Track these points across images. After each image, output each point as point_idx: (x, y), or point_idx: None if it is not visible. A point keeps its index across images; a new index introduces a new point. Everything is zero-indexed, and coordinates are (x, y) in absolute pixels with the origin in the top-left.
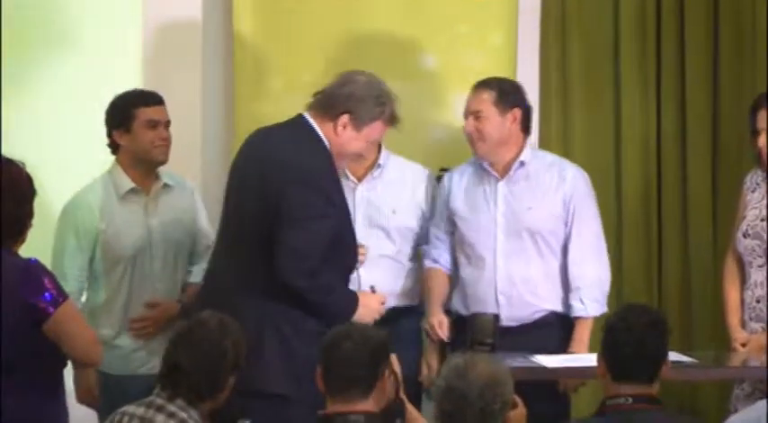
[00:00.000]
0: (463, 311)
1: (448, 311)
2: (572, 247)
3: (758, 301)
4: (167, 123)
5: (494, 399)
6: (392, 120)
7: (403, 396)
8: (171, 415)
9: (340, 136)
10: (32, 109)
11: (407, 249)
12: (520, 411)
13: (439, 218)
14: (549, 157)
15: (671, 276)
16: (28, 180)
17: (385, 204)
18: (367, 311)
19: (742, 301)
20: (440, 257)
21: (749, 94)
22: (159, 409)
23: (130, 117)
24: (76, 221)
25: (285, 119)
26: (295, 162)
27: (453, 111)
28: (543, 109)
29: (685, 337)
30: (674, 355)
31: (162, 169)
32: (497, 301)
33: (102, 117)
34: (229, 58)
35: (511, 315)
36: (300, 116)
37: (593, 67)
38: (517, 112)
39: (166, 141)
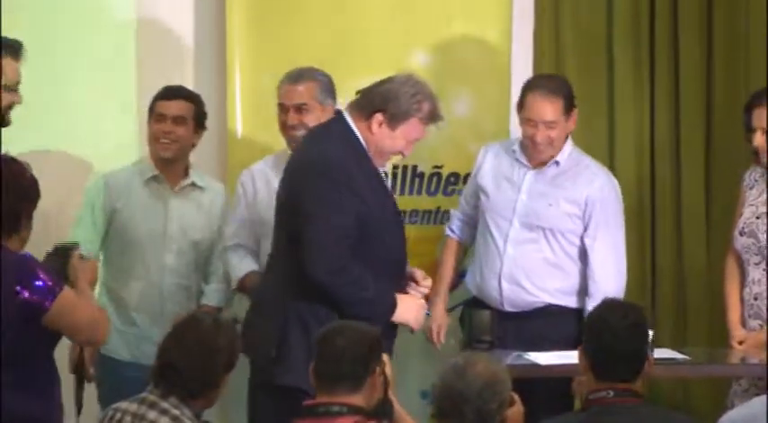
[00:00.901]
0: (474, 291)
1: (461, 276)
2: (592, 255)
3: (756, 299)
4: (176, 119)
5: (492, 398)
6: (431, 118)
7: (392, 396)
8: (163, 411)
9: (375, 134)
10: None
11: None
12: (517, 409)
13: (467, 189)
14: (586, 161)
15: (665, 274)
16: (31, 180)
17: None
18: (408, 315)
19: (742, 299)
20: (456, 227)
21: (743, 91)
22: (152, 405)
23: (151, 109)
24: (93, 199)
25: (275, 117)
26: (314, 157)
27: (447, 108)
28: None
29: (679, 335)
30: (667, 353)
31: (194, 169)
32: (500, 285)
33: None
34: (222, 57)
35: (510, 301)
36: (340, 113)
37: (587, 65)
38: (575, 113)
39: (169, 136)
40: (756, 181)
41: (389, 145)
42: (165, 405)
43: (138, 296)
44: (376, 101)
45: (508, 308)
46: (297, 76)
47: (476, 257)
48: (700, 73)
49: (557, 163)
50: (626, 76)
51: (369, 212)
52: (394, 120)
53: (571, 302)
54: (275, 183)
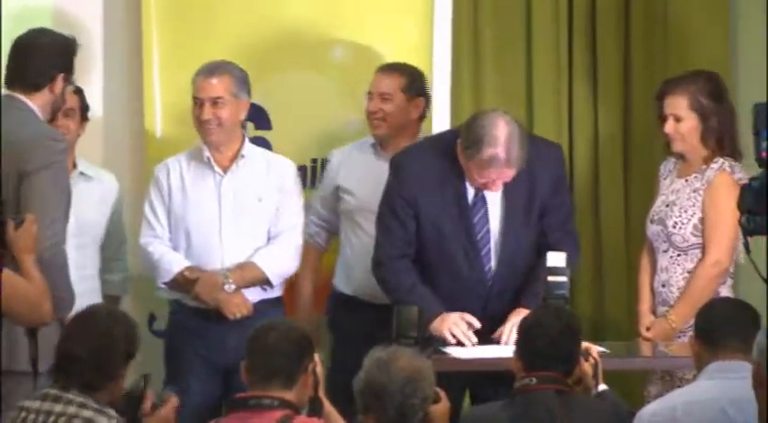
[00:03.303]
0: (348, 290)
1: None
2: None
3: (663, 286)
4: (67, 111)
5: (414, 393)
6: (482, 165)
7: (322, 395)
8: (69, 402)
9: (460, 157)
10: None
11: (264, 238)
12: (442, 405)
13: (324, 193)
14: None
15: (584, 266)
16: None
17: (251, 193)
18: (441, 325)
19: (653, 288)
20: (315, 234)
21: (661, 79)
22: (56, 399)
23: None
24: None
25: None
26: (392, 160)
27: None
28: (455, 99)
29: (598, 328)
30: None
31: (82, 159)
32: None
33: None
34: (137, 53)
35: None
36: None
37: (505, 62)
38: (421, 102)
39: (59, 130)
40: (670, 171)
41: (468, 173)
42: (68, 396)
43: None
44: (461, 127)
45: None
46: (212, 70)
47: (345, 258)
48: (618, 59)
49: None
50: (545, 67)
51: (421, 222)
52: (463, 154)
53: None
54: (188, 180)
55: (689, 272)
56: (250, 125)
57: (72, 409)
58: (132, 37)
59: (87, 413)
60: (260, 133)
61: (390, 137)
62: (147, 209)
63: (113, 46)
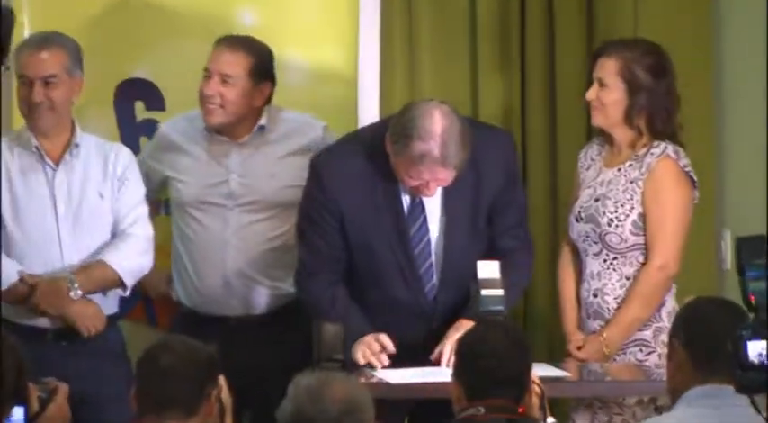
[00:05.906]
0: (187, 302)
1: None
2: None
3: (595, 296)
4: None
5: None
6: (412, 163)
7: None
8: None
9: (389, 154)
10: None
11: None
12: None
13: (148, 168)
14: (284, 114)
15: (537, 268)
16: None
17: (90, 188)
18: (358, 347)
19: (579, 297)
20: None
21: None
22: None
23: None
24: None
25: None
26: (314, 161)
27: (281, 77)
28: (385, 66)
29: (554, 345)
30: (548, 370)
31: None
32: (226, 285)
33: None
34: None
35: (245, 303)
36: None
37: (443, 25)
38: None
39: None
40: (593, 160)
41: (398, 173)
42: None
43: None
44: (390, 120)
45: (240, 312)
46: (41, 42)
47: (180, 263)
48: (577, 37)
49: (261, 128)
50: (491, 45)
51: (347, 235)
52: (391, 150)
53: None
54: (15, 174)
55: (627, 278)
56: (140, 105)
57: None
58: None
59: None
60: (152, 115)
61: (227, 126)
62: None
63: None
